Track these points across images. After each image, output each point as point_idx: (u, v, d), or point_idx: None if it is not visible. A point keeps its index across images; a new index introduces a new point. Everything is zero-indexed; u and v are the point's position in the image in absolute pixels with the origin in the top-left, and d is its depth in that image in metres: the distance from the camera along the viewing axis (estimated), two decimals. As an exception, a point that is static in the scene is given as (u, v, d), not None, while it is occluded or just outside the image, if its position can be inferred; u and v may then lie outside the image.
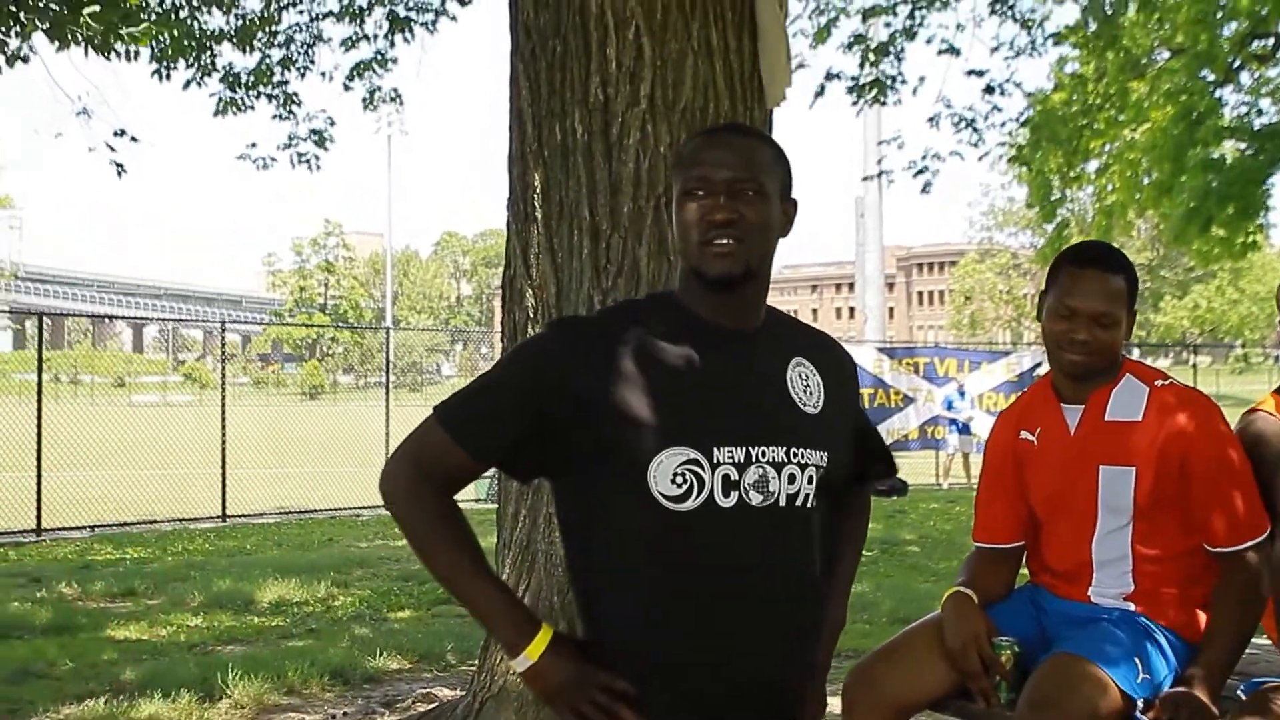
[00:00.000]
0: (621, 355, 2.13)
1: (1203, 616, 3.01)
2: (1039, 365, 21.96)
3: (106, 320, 58.54)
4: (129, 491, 16.40)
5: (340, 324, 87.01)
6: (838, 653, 7.44)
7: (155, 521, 14.84)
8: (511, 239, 4.66)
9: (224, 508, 15.33)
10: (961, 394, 20.19)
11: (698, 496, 2.07)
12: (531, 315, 4.51)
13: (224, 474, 15.51)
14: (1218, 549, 2.97)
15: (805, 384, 2.25)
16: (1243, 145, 20.33)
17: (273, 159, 11.65)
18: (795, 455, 2.15)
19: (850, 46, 13.17)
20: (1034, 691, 2.84)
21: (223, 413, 16.18)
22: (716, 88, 4.46)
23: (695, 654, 2.10)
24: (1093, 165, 21.74)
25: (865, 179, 19.41)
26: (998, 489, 3.28)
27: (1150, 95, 20.14)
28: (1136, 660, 2.85)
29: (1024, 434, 3.20)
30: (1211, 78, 19.35)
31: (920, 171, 14.62)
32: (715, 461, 2.08)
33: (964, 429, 19.94)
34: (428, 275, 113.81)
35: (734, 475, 2.09)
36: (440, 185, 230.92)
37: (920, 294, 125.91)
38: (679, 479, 2.07)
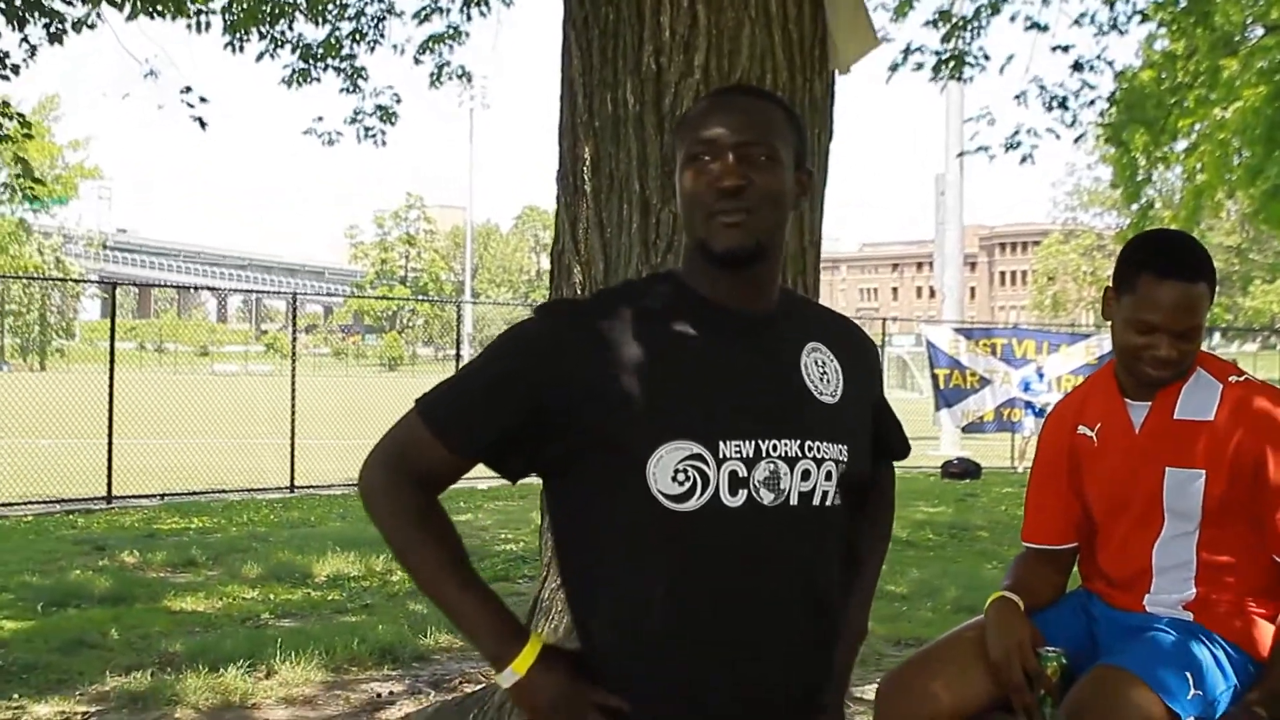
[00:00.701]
0: (617, 341, 1.94)
1: (1270, 631, 2.74)
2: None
3: (192, 290, 59.21)
4: (201, 460, 16.56)
5: (416, 297, 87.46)
6: (896, 640, 7.26)
7: (224, 491, 14.93)
8: (560, 213, 4.51)
9: (292, 479, 15.37)
10: (1040, 376, 19.86)
11: (701, 495, 1.88)
12: (579, 292, 4.36)
13: (293, 445, 15.55)
14: None
15: (822, 371, 2.05)
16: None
17: (339, 134, 11.65)
18: (810, 449, 1.96)
19: (935, 23, 12.86)
20: (1070, 707, 2.63)
21: (292, 383, 16.22)
22: (775, 57, 4.26)
23: (697, 666, 1.92)
24: (1180, 145, 21.28)
25: (960, 155, 18.95)
26: (1050, 486, 3.03)
27: (1242, 74, 19.63)
28: (1188, 675, 2.61)
29: (1082, 429, 2.95)
30: (1308, 56, 18.81)
31: (1014, 146, 14.27)
32: (721, 457, 1.89)
33: (1040, 412, 19.57)
34: (508, 249, 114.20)
35: (742, 472, 1.90)
36: (522, 159, 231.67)
37: (1003, 274, 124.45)
38: (681, 476, 1.87)
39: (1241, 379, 2.81)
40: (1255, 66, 19.35)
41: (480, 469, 2.03)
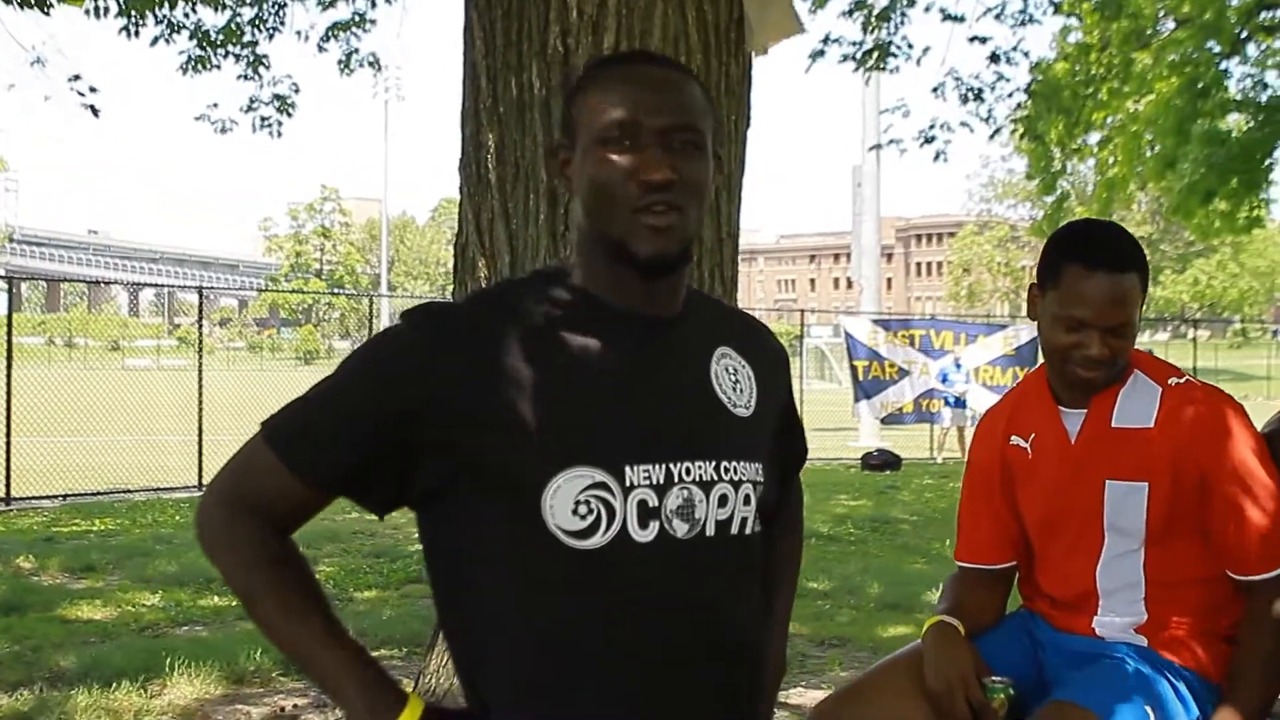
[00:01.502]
0: (499, 351, 1.68)
1: (1228, 654, 2.54)
2: (1037, 338, 21.69)
3: (101, 284, 58.08)
4: (106, 459, 16.05)
5: (332, 290, 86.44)
6: (820, 641, 7.07)
7: (130, 491, 14.49)
8: (463, 203, 4.28)
9: (200, 477, 14.93)
10: (958, 367, 19.92)
11: (607, 530, 1.64)
12: (484, 286, 4.14)
13: (200, 441, 15.10)
14: (1244, 577, 2.50)
15: (734, 379, 1.82)
16: (1247, 118, 20.05)
17: (234, 122, 11.32)
18: (726, 471, 1.73)
19: (851, 13, 12.83)
20: None
21: (199, 378, 15.80)
22: (689, 39, 4.06)
23: None
24: (1094, 138, 21.47)
25: (874, 148, 18.92)
26: (983, 501, 2.80)
27: (1154, 66, 19.82)
28: (1148, 709, 2.38)
29: (1015, 439, 2.73)
30: (1217, 49, 19.01)
31: (929, 140, 14.24)
32: (629, 484, 1.65)
33: (959, 403, 19.68)
34: (424, 241, 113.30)
35: (653, 500, 1.66)
36: (439, 150, 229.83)
37: (919, 265, 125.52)
38: (582, 508, 1.63)
39: (1182, 381, 2.60)
40: (1166, 60, 19.54)
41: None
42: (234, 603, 7.69)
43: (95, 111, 9.60)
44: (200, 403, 15.55)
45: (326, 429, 1.72)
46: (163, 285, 66.82)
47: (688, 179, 1.71)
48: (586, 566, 1.64)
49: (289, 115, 11.27)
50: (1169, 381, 2.59)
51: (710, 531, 1.71)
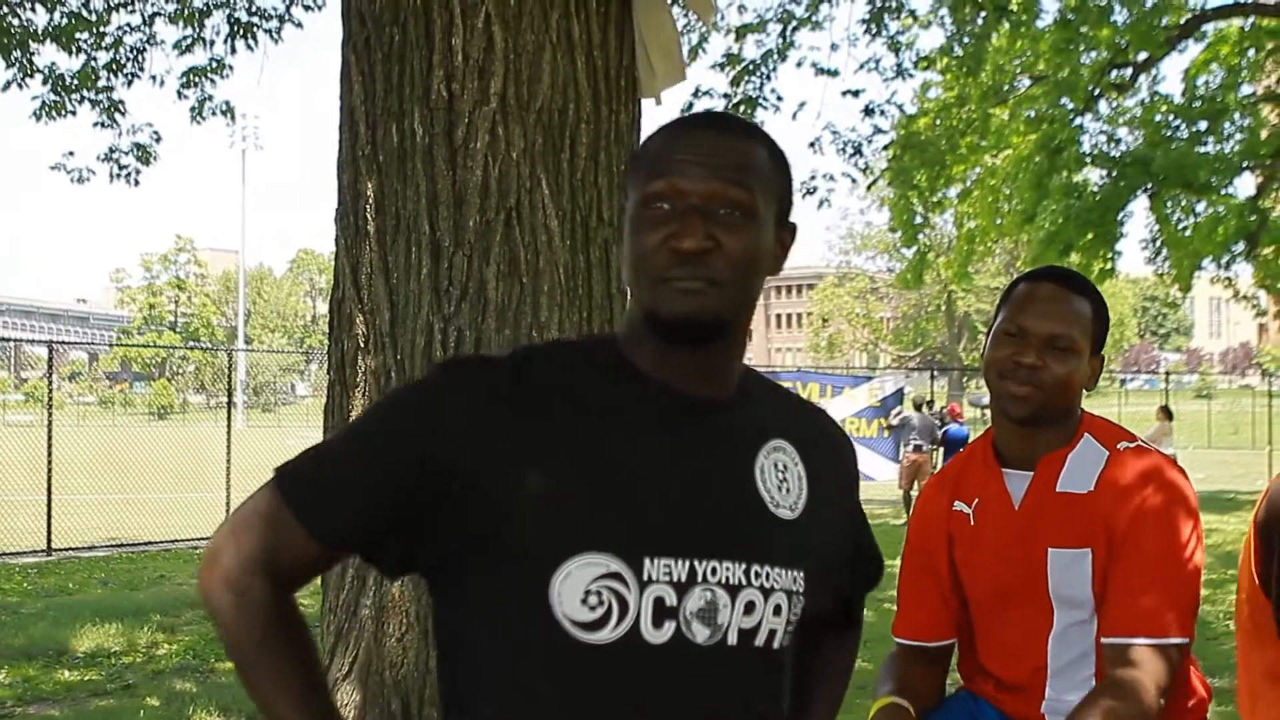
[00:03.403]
0: (527, 418, 1.55)
1: None
2: (902, 390, 21.91)
3: (-58, 336, 56.21)
4: (-54, 523, 15.29)
5: (187, 344, 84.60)
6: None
7: (-28, 556, 13.79)
8: (340, 257, 4.06)
9: (49, 540, 14.29)
10: (823, 419, 20.02)
11: (617, 625, 1.49)
12: (362, 345, 3.91)
13: (50, 503, 14.44)
14: (1106, 638, 2.32)
15: (781, 477, 1.65)
16: (1102, 173, 20.60)
17: (91, 171, 10.94)
18: (757, 576, 1.57)
19: (723, 67, 12.94)
20: None
21: (49, 436, 15.07)
22: (578, 86, 3.92)
23: None
24: (953, 191, 21.92)
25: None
26: (927, 573, 2.59)
27: (1011, 122, 20.31)
28: None
29: (959, 505, 2.54)
30: (1071, 106, 19.52)
31: (811, 192, 14.42)
32: (646, 578, 1.50)
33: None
34: (282, 294, 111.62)
35: (671, 599, 1.51)
36: (297, 202, 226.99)
37: (779, 316, 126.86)
38: (593, 599, 1.49)
39: (1132, 445, 2.44)
40: (1022, 115, 20.03)
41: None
42: (87, 676, 7.29)
43: None
44: (50, 461, 14.87)
45: (340, 482, 1.59)
46: (9, 339, 64.56)
47: (730, 249, 1.56)
48: (590, 661, 1.50)
49: (148, 164, 10.92)
50: (1118, 445, 2.44)
51: (733, 640, 1.55)
